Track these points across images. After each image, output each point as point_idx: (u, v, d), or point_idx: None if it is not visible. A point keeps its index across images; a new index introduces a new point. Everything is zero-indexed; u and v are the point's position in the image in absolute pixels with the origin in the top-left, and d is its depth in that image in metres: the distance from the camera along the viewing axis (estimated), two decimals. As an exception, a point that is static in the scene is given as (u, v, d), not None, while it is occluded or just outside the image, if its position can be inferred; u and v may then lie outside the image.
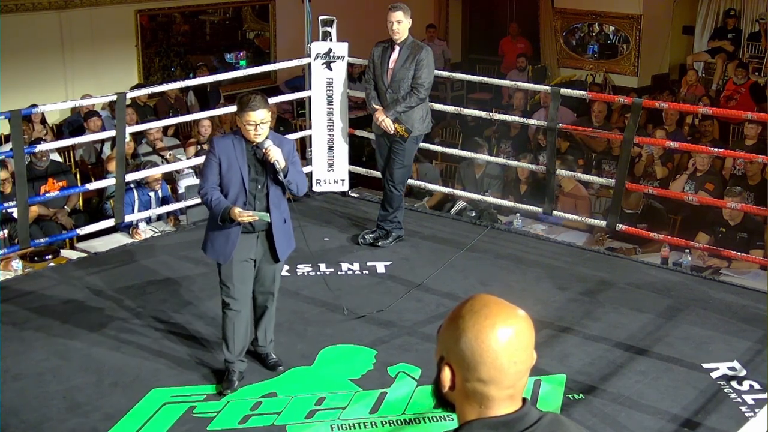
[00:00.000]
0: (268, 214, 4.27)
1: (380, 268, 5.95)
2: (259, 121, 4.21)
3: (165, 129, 9.02)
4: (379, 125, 6.05)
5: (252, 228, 4.33)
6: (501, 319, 1.56)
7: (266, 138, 4.29)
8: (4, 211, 6.36)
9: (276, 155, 4.24)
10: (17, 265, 5.97)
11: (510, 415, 1.57)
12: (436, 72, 6.38)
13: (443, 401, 1.63)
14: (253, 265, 4.42)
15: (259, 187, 4.32)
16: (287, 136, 8.02)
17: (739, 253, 5.90)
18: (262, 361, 4.67)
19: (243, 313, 4.44)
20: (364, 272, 5.89)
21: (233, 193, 4.28)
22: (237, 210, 4.19)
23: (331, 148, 7.13)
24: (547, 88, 7.27)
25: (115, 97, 6.17)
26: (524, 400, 1.61)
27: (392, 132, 6.02)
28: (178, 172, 7.76)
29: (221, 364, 4.61)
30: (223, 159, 4.28)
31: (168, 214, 7.03)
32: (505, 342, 1.55)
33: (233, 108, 7.62)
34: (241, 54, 11.96)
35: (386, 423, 4.21)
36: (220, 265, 4.40)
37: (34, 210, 6.63)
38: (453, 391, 1.59)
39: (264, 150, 4.26)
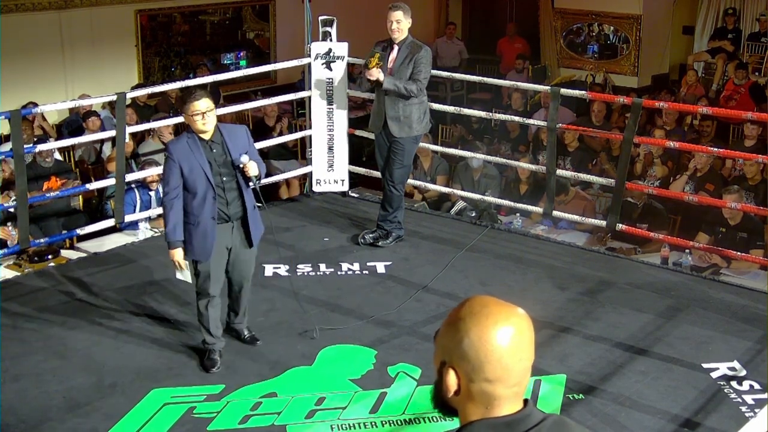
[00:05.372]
0: (189, 273, 4.51)
1: (380, 268, 5.94)
2: (205, 109, 4.37)
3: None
4: (368, 75, 5.97)
5: (227, 217, 4.49)
6: (502, 318, 1.57)
7: (215, 129, 4.45)
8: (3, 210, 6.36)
9: (254, 171, 4.46)
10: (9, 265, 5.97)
11: (512, 416, 1.57)
12: (437, 72, 6.35)
13: (445, 406, 1.62)
14: (228, 253, 4.57)
15: (225, 179, 4.47)
16: (287, 136, 8.11)
17: (739, 253, 5.90)
18: (237, 335, 4.87)
19: (217, 299, 4.62)
20: (364, 272, 5.89)
21: (201, 191, 4.42)
22: (175, 254, 4.45)
23: (331, 148, 7.13)
24: (547, 88, 7.26)
25: (115, 97, 6.17)
26: (526, 401, 1.61)
27: (374, 78, 5.91)
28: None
29: (221, 365, 4.64)
30: (183, 162, 4.41)
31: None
32: (509, 340, 1.56)
33: (233, 108, 7.74)
34: (241, 54, 11.96)
35: (386, 423, 4.20)
36: (197, 261, 4.55)
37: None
38: (458, 395, 1.58)
39: (242, 166, 4.44)
